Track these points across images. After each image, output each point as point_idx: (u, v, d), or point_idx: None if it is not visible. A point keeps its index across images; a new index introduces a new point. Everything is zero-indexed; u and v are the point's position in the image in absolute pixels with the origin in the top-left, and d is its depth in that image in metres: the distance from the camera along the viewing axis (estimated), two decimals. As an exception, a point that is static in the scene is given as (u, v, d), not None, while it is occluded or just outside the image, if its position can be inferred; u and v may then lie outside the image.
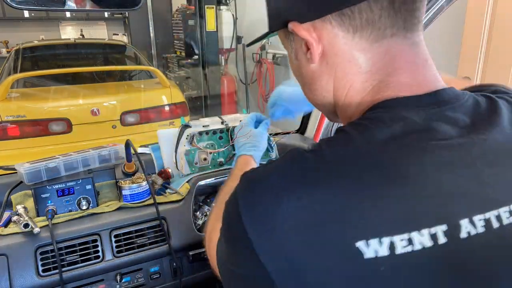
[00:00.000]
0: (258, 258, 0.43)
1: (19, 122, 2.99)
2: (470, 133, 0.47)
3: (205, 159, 1.25)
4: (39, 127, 3.09)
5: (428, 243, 0.40)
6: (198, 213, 1.19)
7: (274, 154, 1.38)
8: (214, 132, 1.26)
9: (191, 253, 1.02)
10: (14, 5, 0.80)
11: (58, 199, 1.03)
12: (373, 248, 0.40)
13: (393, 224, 0.41)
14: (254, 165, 0.97)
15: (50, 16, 7.45)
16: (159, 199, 1.13)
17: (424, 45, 0.51)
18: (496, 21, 2.20)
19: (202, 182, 1.19)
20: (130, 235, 1.03)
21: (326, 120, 1.63)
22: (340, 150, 0.46)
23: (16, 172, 1.11)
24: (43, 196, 1.02)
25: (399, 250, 0.40)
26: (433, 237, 0.41)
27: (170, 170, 1.22)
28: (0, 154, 2.98)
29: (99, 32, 7.93)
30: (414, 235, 0.40)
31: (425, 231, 0.40)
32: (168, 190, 1.17)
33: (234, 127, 1.28)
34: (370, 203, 0.41)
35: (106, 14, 7.75)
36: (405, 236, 0.40)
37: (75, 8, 0.99)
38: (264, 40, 4.58)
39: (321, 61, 0.53)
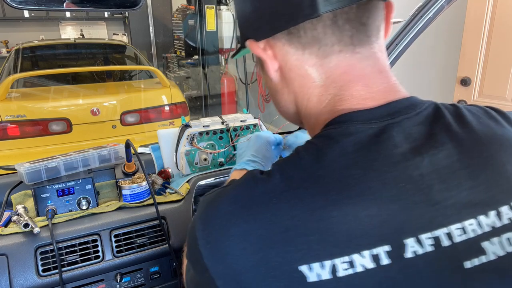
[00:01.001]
0: (213, 281, 0.44)
1: (19, 122, 2.99)
2: (423, 145, 0.46)
3: (205, 159, 1.25)
4: (39, 127, 3.09)
5: (370, 264, 0.40)
6: (198, 213, 1.19)
7: (274, 154, 1.38)
8: (215, 132, 1.26)
9: (191, 253, 1.02)
10: (14, 5, 0.80)
11: (58, 199, 1.03)
12: (315, 272, 0.39)
13: (334, 247, 0.40)
14: None
15: (50, 16, 7.45)
16: (159, 199, 1.13)
17: (379, 56, 0.52)
18: (496, 21, 2.20)
19: (202, 182, 1.19)
20: (130, 235, 1.03)
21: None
22: (289, 172, 0.46)
23: (16, 172, 1.11)
24: (43, 196, 1.02)
25: (341, 273, 0.39)
26: (375, 258, 0.40)
27: (170, 170, 1.22)
28: (0, 154, 2.98)
29: (99, 32, 7.93)
30: (355, 257, 0.40)
31: (366, 253, 0.40)
32: (168, 190, 1.17)
33: (235, 126, 1.28)
34: (313, 224, 0.41)
35: (106, 14, 7.75)
36: (346, 258, 0.40)
37: (75, 8, 0.99)
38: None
39: (279, 76, 0.56)
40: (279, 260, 0.41)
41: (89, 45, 5.02)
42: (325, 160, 0.45)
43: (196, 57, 4.92)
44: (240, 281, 0.42)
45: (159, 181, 1.18)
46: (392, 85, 0.52)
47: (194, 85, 5.27)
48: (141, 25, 6.54)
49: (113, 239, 1.01)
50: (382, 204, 0.41)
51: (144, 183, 1.11)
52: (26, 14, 7.24)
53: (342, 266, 0.40)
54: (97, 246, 0.99)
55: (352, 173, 0.43)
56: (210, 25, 4.49)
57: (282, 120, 1.23)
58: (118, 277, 1.01)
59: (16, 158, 2.86)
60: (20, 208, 0.99)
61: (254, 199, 0.44)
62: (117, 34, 7.92)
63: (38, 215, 1.02)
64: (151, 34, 6.59)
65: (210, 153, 1.26)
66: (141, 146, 1.36)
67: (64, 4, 0.87)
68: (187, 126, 1.23)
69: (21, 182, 1.07)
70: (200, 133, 1.23)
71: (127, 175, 1.20)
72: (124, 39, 7.55)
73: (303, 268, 0.40)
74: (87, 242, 0.98)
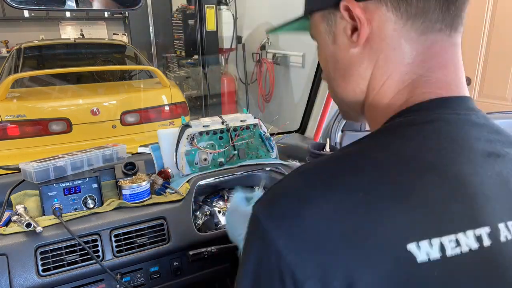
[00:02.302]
0: (301, 283, 0.39)
1: (19, 122, 2.99)
2: (497, 142, 0.47)
3: (205, 159, 1.25)
4: (39, 127, 3.09)
5: (474, 244, 0.39)
6: (198, 213, 1.19)
7: (274, 154, 1.38)
8: (215, 132, 1.26)
9: (191, 252, 1.02)
10: (14, 5, 0.80)
11: (65, 198, 1.04)
12: (424, 251, 0.38)
13: (440, 225, 0.39)
14: None
15: (50, 16, 7.45)
16: (159, 199, 1.13)
17: (460, 48, 0.51)
18: (496, 21, 2.20)
19: (202, 182, 1.19)
20: (130, 235, 1.03)
21: (326, 120, 1.63)
22: (377, 154, 0.45)
23: (16, 172, 1.11)
24: (50, 194, 1.02)
25: (449, 252, 0.38)
26: (478, 238, 0.40)
27: (170, 170, 1.22)
28: (0, 154, 2.98)
29: (99, 32, 7.92)
30: (461, 236, 0.39)
31: (470, 233, 0.39)
32: (168, 190, 1.17)
33: (235, 126, 1.28)
34: (414, 201, 0.40)
35: (106, 14, 7.74)
36: (452, 237, 0.39)
37: (75, 7, 0.99)
38: (264, 40, 4.58)
39: (365, 45, 0.51)
40: (381, 241, 0.38)
41: (89, 45, 5.03)
42: (413, 143, 0.44)
43: (196, 57, 4.92)
44: (341, 272, 0.38)
45: (159, 181, 1.18)
46: (464, 79, 0.51)
47: (194, 85, 5.27)
48: (141, 25, 6.53)
49: (113, 239, 1.01)
50: (475, 189, 0.42)
51: (144, 183, 1.11)
52: (26, 14, 7.24)
53: (450, 245, 0.38)
54: (97, 246, 0.99)
55: (443, 156, 0.43)
56: (210, 25, 4.49)
57: (282, 120, 1.23)
58: (118, 277, 1.01)
59: (16, 158, 2.86)
60: (20, 208, 0.99)
61: (333, 180, 0.43)
62: (117, 34, 7.92)
63: (44, 214, 1.02)
64: (151, 34, 6.59)
65: (210, 153, 1.26)
66: (141, 146, 1.36)
67: (64, 4, 0.88)
68: (187, 126, 1.23)
69: (22, 181, 1.07)
70: (200, 133, 1.23)
71: (127, 175, 1.20)
72: (124, 39, 7.55)
73: (411, 247, 0.38)
74: (87, 242, 0.98)
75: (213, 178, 1.22)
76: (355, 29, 0.50)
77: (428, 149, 0.44)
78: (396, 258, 0.38)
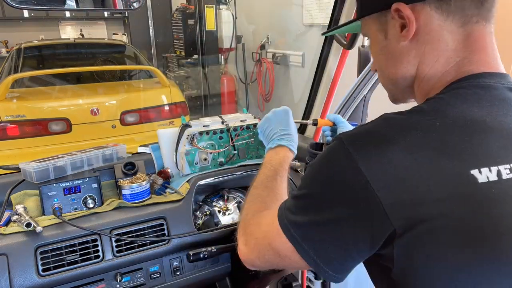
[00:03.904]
0: (374, 194, 0.51)
1: (18, 122, 2.99)
2: None
3: (205, 159, 1.25)
4: (39, 127, 3.09)
5: None
6: (198, 212, 1.19)
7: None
8: (215, 132, 1.26)
9: (191, 252, 1.02)
10: (14, 4, 0.80)
11: (64, 197, 1.04)
12: (485, 175, 0.51)
13: (496, 158, 0.52)
14: (290, 160, 0.97)
15: (50, 16, 7.45)
16: (159, 198, 1.13)
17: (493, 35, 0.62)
18: (496, 21, 2.21)
19: (202, 182, 1.19)
20: (130, 235, 1.03)
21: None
22: (443, 108, 0.57)
23: (16, 172, 1.11)
24: (50, 194, 1.02)
25: (505, 176, 0.51)
26: None
27: (169, 170, 1.22)
28: (0, 154, 2.98)
29: (98, 32, 7.92)
30: None
31: None
32: (168, 190, 1.17)
33: (235, 126, 1.28)
34: (475, 141, 0.53)
35: (105, 14, 7.74)
36: (507, 166, 0.52)
37: (75, 7, 0.99)
38: (264, 40, 4.58)
39: (413, 39, 0.62)
40: (449, 168, 0.51)
41: (88, 45, 5.02)
42: (469, 102, 0.56)
43: (195, 56, 4.92)
44: (409, 191, 0.50)
45: (159, 181, 1.18)
46: (500, 60, 0.62)
47: (194, 84, 5.27)
48: (141, 25, 6.53)
49: (113, 239, 1.01)
50: None
51: (144, 183, 1.11)
52: (26, 14, 7.24)
53: (505, 172, 0.52)
54: (97, 245, 0.99)
55: (500, 111, 0.56)
56: (210, 25, 4.49)
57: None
58: (118, 277, 1.01)
59: (15, 158, 2.86)
60: (20, 208, 0.99)
61: (409, 125, 0.56)
62: (117, 34, 7.91)
63: (44, 214, 1.02)
64: (151, 34, 6.58)
65: (210, 153, 1.26)
66: (141, 146, 1.36)
67: (64, 4, 0.87)
68: (187, 125, 1.23)
69: (22, 181, 1.07)
70: (200, 133, 1.23)
71: (126, 175, 1.20)
72: (124, 38, 7.54)
73: (474, 172, 0.51)
74: (87, 242, 0.98)
75: (213, 178, 1.22)
76: (403, 26, 0.62)
77: (484, 105, 0.56)
78: (461, 180, 0.50)
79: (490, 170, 0.51)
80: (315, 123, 1.21)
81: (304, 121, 1.29)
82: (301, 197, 0.62)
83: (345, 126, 1.17)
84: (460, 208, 0.49)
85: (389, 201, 0.50)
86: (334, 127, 1.20)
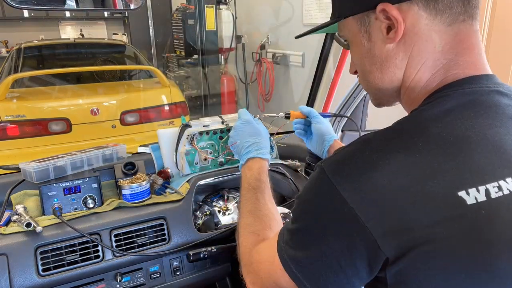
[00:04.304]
0: (364, 226, 0.49)
1: (18, 122, 2.99)
2: None
3: (205, 159, 1.25)
4: (39, 127, 3.08)
5: None
6: (198, 212, 1.19)
7: (274, 154, 1.38)
8: (215, 132, 1.26)
9: (191, 252, 1.02)
10: (14, 4, 0.80)
11: (64, 197, 1.04)
12: (473, 196, 0.48)
13: (484, 175, 0.50)
14: (266, 167, 0.91)
15: (50, 16, 7.44)
16: (159, 198, 1.13)
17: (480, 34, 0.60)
18: (495, 21, 2.20)
19: (202, 182, 1.19)
20: (130, 235, 1.03)
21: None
22: (415, 124, 0.54)
23: (16, 172, 1.11)
24: (50, 194, 1.02)
25: (493, 195, 0.49)
26: None
27: (169, 170, 1.22)
28: (0, 154, 2.98)
29: (98, 32, 7.92)
30: (501, 182, 0.50)
31: (509, 179, 0.50)
32: (168, 190, 1.17)
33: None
34: (460, 159, 0.50)
35: (105, 14, 7.74)
36: (495, 183, 0.49)
37: (75, 7, 0.99)
38: (264, 39, 4.57)
39: (400, 40, 0.59)
40: (435, 191, 0.48)
41: (88, 44, 5.02)
42: (454, 112, 0.54)
43: (195, 56, 4.92)
44: (398, 218, 0.49)
45: (159, 181, 1.18)
46: (486, 59, 0.60)
47: (194, 84, 5.26)
48: (141, 25, 6.53)
49: (113, 239, 1.01)
50: (509, 146, 0.52)
51: (144, 182, 1.11)
52: (26, 14, 7.23)
53: (493, 190, 0.49)
54: (97, 245, 0.99)
55: (477, 123, 0.53)
56: (210, 25, 4.48)
57: (282, 120, 1.23)
58: (118, 277, 1.01)
59: (15, 158, 2.86)
60: (20, 208, 0.99)
61: (389, 145, 0.53)
62: (117, 34, 7.91)
63: (44, 214, 1.02)
64: (151, 34, 6.58)
65: (210, 153, 1.26)
66: (141, 146, 1.36)
67: (64, 4, 0.87)
68: (187, 125, 1.23)
69: (22, 181, 1.07)
70: (200, 133, 1.23)
71: (126, 175, 1.20)
72: (124, 38, 7.54)
73: (462, 194, 0.48)
74: (87, 242, 0.98)
75: (213, 178, 1.22)
76: (389, 28, 0.59)
77: (468, 116, 0.53)
78: (448, 203, 0.48)
79: (478, 190, 0.49)
80: (287, 116, 1.16)
81: (274, 114, 1.19)
82: (296, 232, 0.59)
83: (319, 121, 1.13)
84: (450, 232, 0.48)
85: (379, 231, 0.49)
86: (307, 120, 1.16)
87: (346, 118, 1.52)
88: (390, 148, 0.53)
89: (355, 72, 0.71)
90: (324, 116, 1.17)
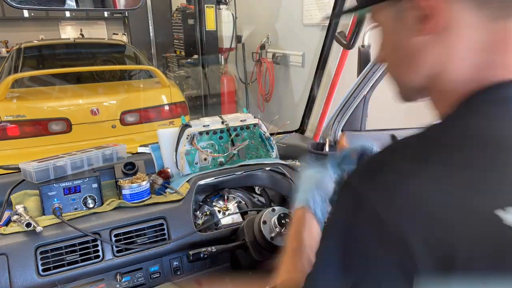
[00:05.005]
0: (404, 242, 0.44)
1: (18, 122, 2.99)
2: None
3: (205, 159, 1.25)
4: (39, 127, 3.08)
5: None
6: (198, 212, 1.19)
7: (274, 154, 1.38)
8: (215, 132, 1.26)
9: (191, 252, 1.02)
10: (14, 4, 0.80)
11: (65, 197, 1.04)
12: (511, 215, 0.43)
13: None
14: (314, 222, 0.82)
15: (50, 16, 7.45)
16: (159, 198, 1.13)
17: None
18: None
19: (202, 182, 1.19)
20: (130, 235, 1.03)
21: (326, 120, 1.63)
22: (462, 132, 0.49)
23: (16, 172, 1.11)
24: (50, 194, 1.02)
25: None
26: None
27: (169, 170, 1.22)
28: (0, 154, 2.98)
29: (98, 32, 7.92)
30: None
31: None
32: (168, 190, 1.17)
33: (235, 126, 1.28)
34: (504, 174, 0.46)
35: (105, 14, 7.74)
36: None
37: (75, 7, 0.99)
38: (264, 39, 4.57)
39: (436, 33, 0.53)
40: (473, 208, 0.44)
41: (88, 44, 5.02)
42: (496, 122, 0.49)
43: (195, 56, 4.92)
44: (438, 238, 0.44)
45: (159, 181, 1.18)
46: None
47: (194, 84, 5.27)
48: (141, 25, 6.53)
49: (113, 239, 1.01)
50: None
51: (144, 182, 1.11)
52: (26, 14, 7.23)
53: None
54: (97, 245, 0.99)
55: None
56: (210, 25, 4.49)
57: (282, 120, 1.23)
58: (118, 277, 1.01)
59: (15, 158, 2.86)
60: (20, 208, 0.99)
61: (424, 154, 0.49)
62: (117, 34, 7.91)
63: (44, 214, 1.02)
64: (151, 34, 6.58)
65: (210, 153, 1.26)
66: (141, 146, 1.36)
67: (64, 3, 0.88)
68: (187, 125, 1.23)
69: (22, 181, 1.07)
70: (200, 133, 1.23)
71: (126, 175, 1.20)
72: (124, 38, 7.54)
73: (500, 213, 0.43)
74: (87, 242, 0.98)
75: (213, 178, 1.22)
76: (425, 17, 0.52)
77: (509, 127, 0.48)
78: (485, 221, 0.44)
79: None
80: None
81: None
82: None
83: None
84: (483, 252, 0.44)
85: (415, 241, 0.45)
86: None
87: (346, 118, 1.52)
88: (426, 155, 0.48)
89: (383, 61, 0.65)
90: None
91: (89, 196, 1.06)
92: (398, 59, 0.59)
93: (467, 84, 0.53)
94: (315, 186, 0.86)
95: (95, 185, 1.07)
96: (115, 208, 1.08)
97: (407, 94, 0.63)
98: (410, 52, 0.56)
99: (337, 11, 0.69)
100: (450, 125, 0.52)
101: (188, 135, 1.21)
